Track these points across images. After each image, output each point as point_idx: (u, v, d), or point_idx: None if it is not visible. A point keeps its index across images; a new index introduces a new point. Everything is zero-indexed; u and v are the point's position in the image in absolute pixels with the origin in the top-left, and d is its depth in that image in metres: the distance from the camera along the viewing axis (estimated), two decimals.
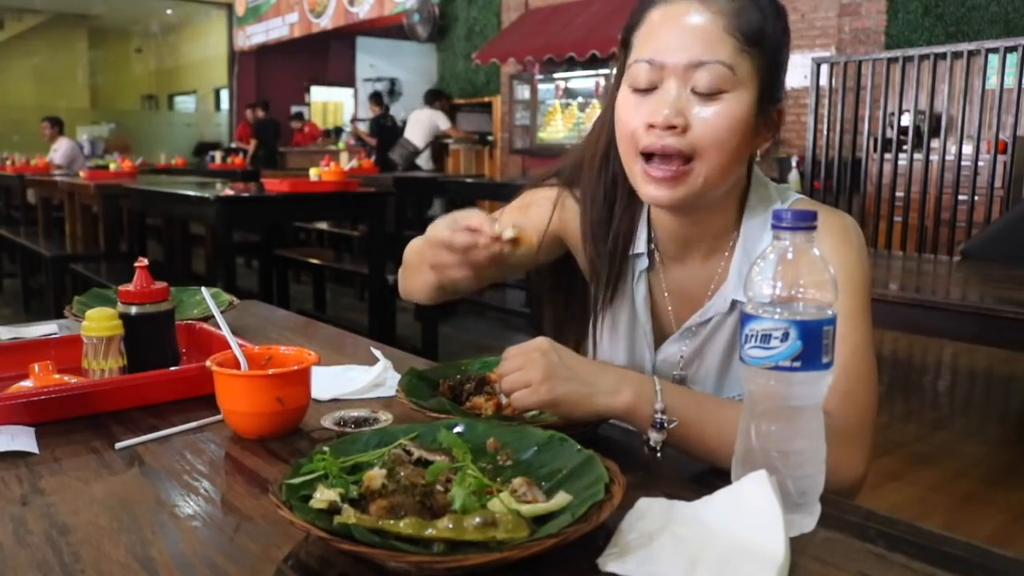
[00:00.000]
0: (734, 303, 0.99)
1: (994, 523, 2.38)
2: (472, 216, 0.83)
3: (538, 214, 1.11)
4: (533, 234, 0.89)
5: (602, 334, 1.13)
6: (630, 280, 1.08)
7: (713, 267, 1.03)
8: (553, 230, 1.11)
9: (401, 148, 8.62)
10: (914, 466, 2.80)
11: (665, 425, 0.80)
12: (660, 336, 1.08)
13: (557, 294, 1.21)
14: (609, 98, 1.00)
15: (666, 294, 1.07)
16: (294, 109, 13.02)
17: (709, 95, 0.89)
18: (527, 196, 1.15)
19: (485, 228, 0.81)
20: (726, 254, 1.02)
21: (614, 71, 1.01)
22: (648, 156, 0.92)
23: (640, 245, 1.07)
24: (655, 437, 0.81)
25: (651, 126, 0.90)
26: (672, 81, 0.90)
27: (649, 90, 0.92)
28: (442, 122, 8.91)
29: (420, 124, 8.76)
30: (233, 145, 11.97)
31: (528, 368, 0.80)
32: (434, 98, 9.16)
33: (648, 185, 0.93)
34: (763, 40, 0.90)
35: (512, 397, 0.81)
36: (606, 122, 1.02)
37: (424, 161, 8.70)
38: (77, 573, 0.62)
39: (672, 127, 0.89)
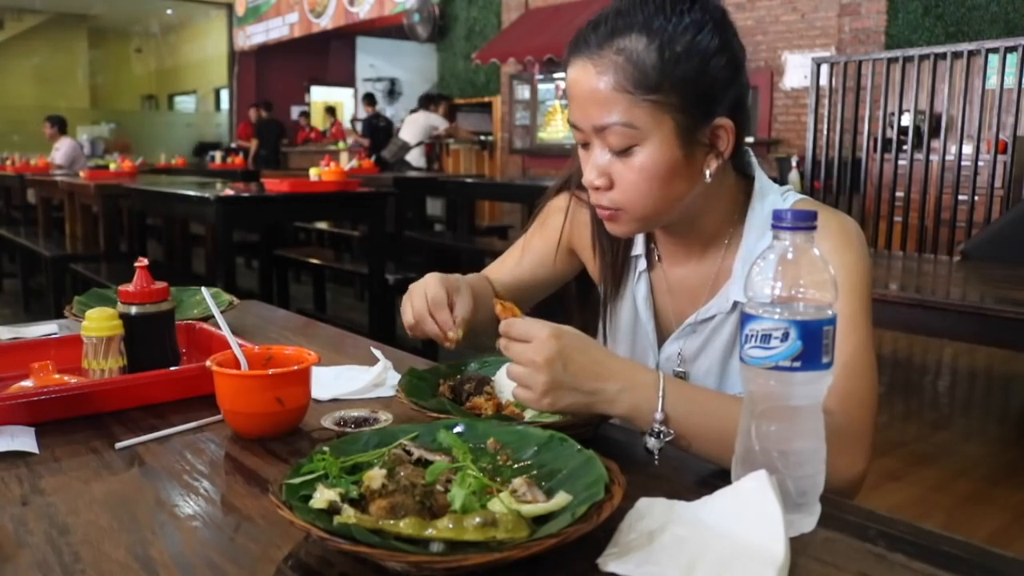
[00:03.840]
0: (736, 303, 1.00)
1: (994, 523, 2.38)
2: (439, 310, 0.96)
3: (553, 223, 1.17)
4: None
5: (608, 334, 1.14)
6: (631, 280, 1.10)
7: (713, 263, 1.03)
8: (565, 238, 1.16)
9: (392, 144, 8.63)
10: (914, 466, 2.80)
11: (662, 436, 0.80)
12: (663, 334, 1.09)
13: (585, 300, 1.25)
14: None
15: (668, 292, 1.08)
16: (297, 110, 13.00)
17: (622, 152, 0.91)
18: (544, 210, 1.20)
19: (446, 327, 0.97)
20: (725, 251, 1.02)
21: None
22: None
23: (638, 246, 1.09)
24: (652, 443, 0.81)
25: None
26: (594, 141, 0.93)
27: (587, 145, 0.95)
28: (439, 123, 8.91)
29: (415, 124, 8.76)
30: (234, 145, 11.95)
31: (533, 372, 0.79)
32: (429, 101, 9.17)
33: (604, 222, 0.99)
34: (664, 81, 0.87)
35: (515, 392, 0.82)
36: None
37: (415, 158, 8.70)
38: (77, 573, 0.62)
39: (597, 188, 0.94)
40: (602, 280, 1.14)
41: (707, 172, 0.94)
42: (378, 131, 9.40)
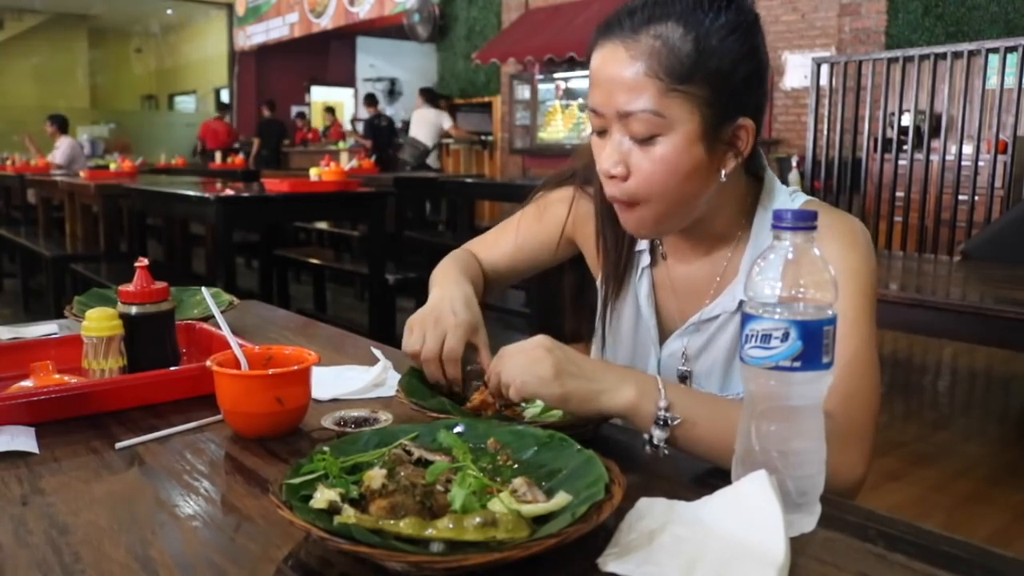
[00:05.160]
0: (742, 303, 1.00)
1: (994, 523, 2.38)
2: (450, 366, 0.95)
3: (555, 214, 1.16)
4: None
5: (608, 331, 1.14)
6: (634, 276, 1.10)
7: (718, 262, 1.03)
8: (568, 230, 1.16)
9: (411, 148, 8.59)
10: (914, 466, 2.80)
11: (668, 422, 0.80)
12: (665, 331, 1.09)
13: (578, 301, 1.25)
14: None
15: (671, 290, 1.08)
16: (295, 109, 13.00)
17: (645, 141, 0.90)
18: (544, 199, 1.19)
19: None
20: (733, 251, 1.02)
21: None
22: None
23: (642, 242, 1.09)
24: (658, 434, 0.81)
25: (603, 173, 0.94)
26: (615, 128, 0.92)
27: (604, 132, 0.94)
28: (446, 122, 8.89)
29: (427, 123, 8.69)
30: (236, 144, 11.93)
31: (536, 364, 0.80)
32: (435, 96, 9.12)
33: (620, 216, 0.98)
34: (697, 73, 0.87)
35: (520, 382, 0.80)
36: None
37: (432, 160, 8.71)
38: (77, 573, 0.62)
39: (613, 177, 0.92)
40: (603, 276, 1.13)
41: (723, 172, 0.93)
42: (380, 131, 9.39)
